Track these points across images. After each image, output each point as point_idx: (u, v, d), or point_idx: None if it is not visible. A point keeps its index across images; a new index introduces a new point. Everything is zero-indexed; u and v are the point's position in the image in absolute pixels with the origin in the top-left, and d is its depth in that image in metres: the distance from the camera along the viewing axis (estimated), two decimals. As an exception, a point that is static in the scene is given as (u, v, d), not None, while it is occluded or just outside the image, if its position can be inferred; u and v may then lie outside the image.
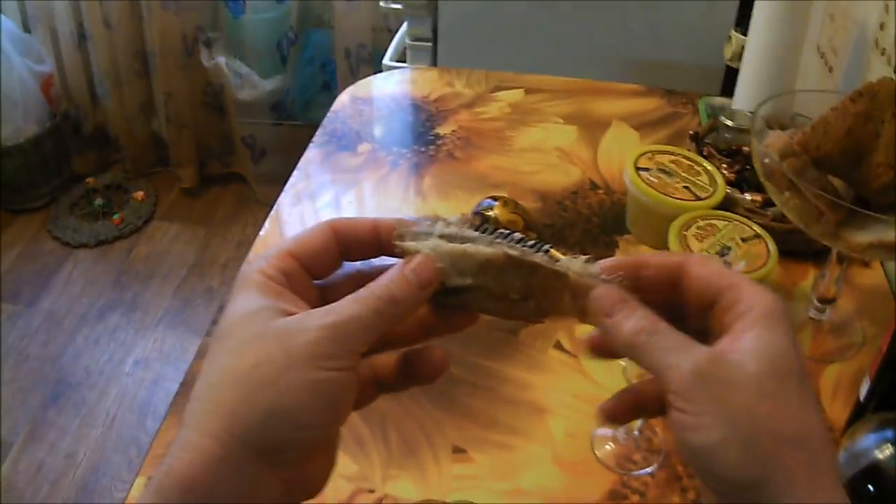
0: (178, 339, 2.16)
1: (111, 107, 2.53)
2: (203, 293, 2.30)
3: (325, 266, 0.45)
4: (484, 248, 0.42)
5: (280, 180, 2.72)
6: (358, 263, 0.46)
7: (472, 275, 0.42)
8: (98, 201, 2.51)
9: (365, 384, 0.45)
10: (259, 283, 0.42)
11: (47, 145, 2.45)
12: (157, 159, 2.67)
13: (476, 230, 0.43)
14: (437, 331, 0.46)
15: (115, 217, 2.48)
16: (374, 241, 0.45)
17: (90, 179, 2.59)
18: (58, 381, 2.04)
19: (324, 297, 0.45)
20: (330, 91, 2.47)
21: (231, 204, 2.61)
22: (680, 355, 0.38)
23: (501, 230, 0.43)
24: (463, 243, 0.42)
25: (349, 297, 0.41)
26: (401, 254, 0.43)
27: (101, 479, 1.83)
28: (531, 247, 0.42)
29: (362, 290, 0.41)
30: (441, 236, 0.43)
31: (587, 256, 0.43)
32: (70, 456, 1.88)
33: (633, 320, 0.40)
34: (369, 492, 0.69)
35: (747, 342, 0.38)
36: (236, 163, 2.60)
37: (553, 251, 0.44)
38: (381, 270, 0.44)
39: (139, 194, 2.56)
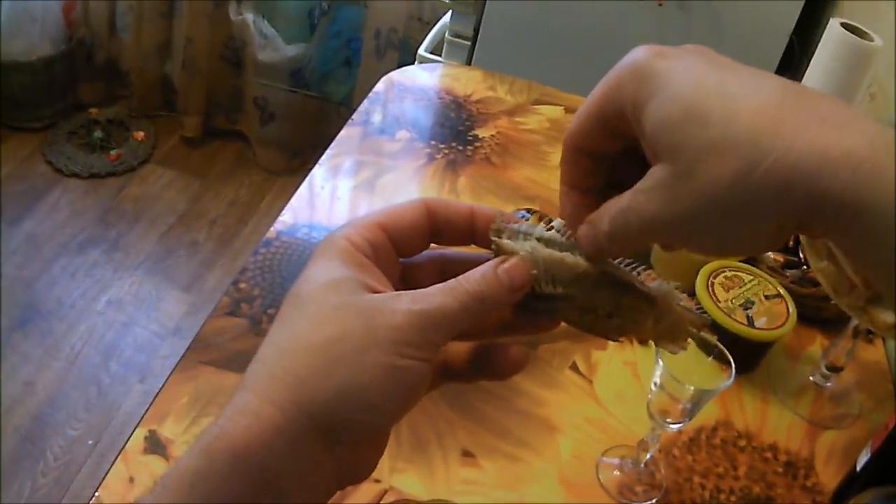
0: (155, 286, 2.14)
1: (128, 42, 2.50)
2: (188, 245, 2.27)
3: (413, 244, 0.44)
4: (581, 260, 0.40)
5: (284, 147, 2.72)
6: (444, 250, 0.45)
7: (564, 285, 0.41)
8: (97, 133, 2.47)
9: (433, 371, 0.43)
10: (344, 250, 0.41)
11: (57, 68, 2.41)
12: (163, 102, 2.63)
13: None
14: (516, 329, 0.45)
15: (112, 153, 2.44)
16: (469, 228, 0.44)
17: (93, 110, 2.55)
18: (27, 307, 2.01)
19: (405, 275, 0.44)
20: (350, 68, 2.46)
21: (230, 161, 2.58)
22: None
23: None
24: (561, 251, 0.41)
25: (439, 287, 0.39)
26: (496, 249, 0.42)
27: (57, 414, 1.80)
28: (627, 265, 0.42)
29: (453, 282, 0.40)
30: (539, 239, 0.41)
31: (677, 284, 0.43)
32: (28, 384, 1.85)
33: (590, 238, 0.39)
34: (375, 481, 0.69)
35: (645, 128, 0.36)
36: (243, 121, 2.58)
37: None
38: (468, 259, 0.43)
39: (140, 134, 2.52)
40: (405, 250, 0.44)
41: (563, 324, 0.44)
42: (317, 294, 0.39)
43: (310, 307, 0.39)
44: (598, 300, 0.42)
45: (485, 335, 0.45)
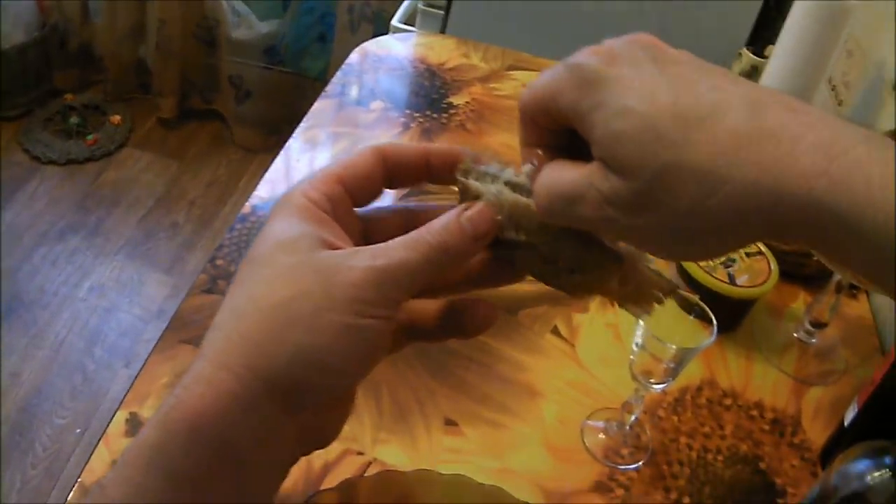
0: (137, 270, 2.12)
1: (102, 26, 2.46)
2: (167, 227, 2.25)
3: (368, 192, 0.43)
4: None
5: (260, 124, 2.69)
6: (407, 202, 0.44)
7: (528, 232, 0.39)
8: (73, 119, 2.44)
9: (396, 331, 0.42)
10: (302, 206, 0.39)
11: (31, 55, 2.38)
12: (138, 85, 2.60)
13: None
14: (481, 282, 0.44)
15: (89, 138, 2.41)
16: (423, 167, 0.43)
17: (69, 96, 2.52)
18: (10, 297, 1.99)
19: (366, 230, 0.43)
20: (325, 43, 2.43)
21: (206, 141, 2.56)
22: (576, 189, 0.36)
23: None
24: (529, 197, 0.39)
25: (400, 241, 0.38)
26: (462, 189, 0.41)
27: (43, 403, 1.79)
28: None
29: (414, 234, 0.38)
30: (507, 183, 0.40)
31: None
32: (14, 375, 1.83)
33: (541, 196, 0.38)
34: (358, 454, 0.68)
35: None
36: (218, 100, 2.55)
37: None
38: (433, 211, 0.41)
39: (116, 118, 2.49)
40: (362, 199, 0.43)
41: (545, 289, 0.43)
42: (273, 254, 0.38)
43: (265, 268, 0.37)
44: (561, 252, 0.40)
45: (448, 290, 0.44)
